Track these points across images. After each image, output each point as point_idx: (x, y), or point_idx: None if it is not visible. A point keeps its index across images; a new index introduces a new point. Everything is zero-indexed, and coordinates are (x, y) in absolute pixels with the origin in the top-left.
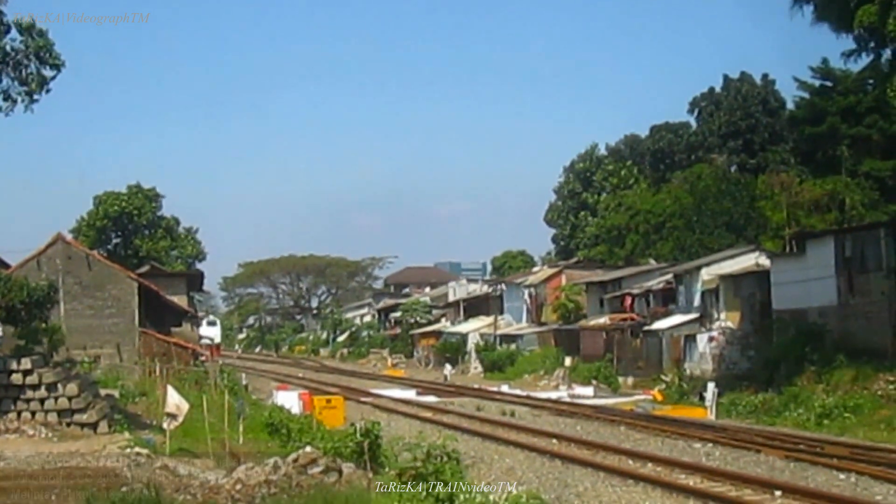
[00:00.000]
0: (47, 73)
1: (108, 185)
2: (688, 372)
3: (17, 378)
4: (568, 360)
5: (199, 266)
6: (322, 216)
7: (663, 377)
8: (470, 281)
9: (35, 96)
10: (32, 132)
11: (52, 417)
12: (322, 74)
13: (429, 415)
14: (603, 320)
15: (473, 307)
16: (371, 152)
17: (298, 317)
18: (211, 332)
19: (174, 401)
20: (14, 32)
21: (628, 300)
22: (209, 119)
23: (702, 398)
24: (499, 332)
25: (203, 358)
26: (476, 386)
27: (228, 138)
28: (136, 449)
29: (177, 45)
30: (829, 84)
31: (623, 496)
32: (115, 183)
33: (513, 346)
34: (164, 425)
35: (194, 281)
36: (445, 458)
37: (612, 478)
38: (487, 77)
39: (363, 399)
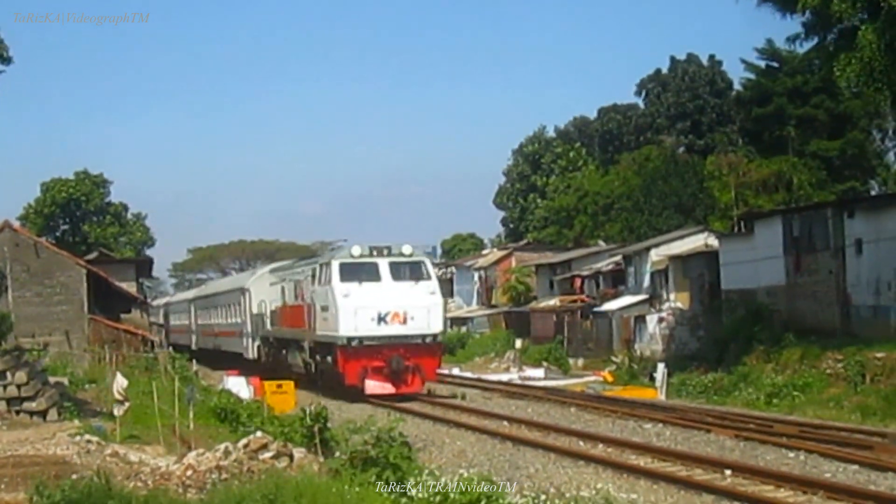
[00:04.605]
0: None
1: (56, 171)
2: (638, 353)
3: None
4: (518, 343)
5: (148, 252)
6: (271, 201)
7: (613, 358)
8: None
9: None
10: None
11: (1, 406)
12: (269, 60)
13: None
14: (553, 302)
15: None
16: (319, 137)
17: None
18: (418, 299)
19: (119, 385)
20: None
21: (578, 282)
22: (157, 105)
23: (652, 379)
24: (449, 314)
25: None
26: None
27: (176, 124)
28: (87, 436)
29: (123, 32)
30: (775, 65)
31: (574, 477)
32: (62, 169)
33: (463, 329)
34: (115, 412)
35: (143, 267)
36: (395, 442)
37: (564, 459)
38: (434, 59)
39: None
